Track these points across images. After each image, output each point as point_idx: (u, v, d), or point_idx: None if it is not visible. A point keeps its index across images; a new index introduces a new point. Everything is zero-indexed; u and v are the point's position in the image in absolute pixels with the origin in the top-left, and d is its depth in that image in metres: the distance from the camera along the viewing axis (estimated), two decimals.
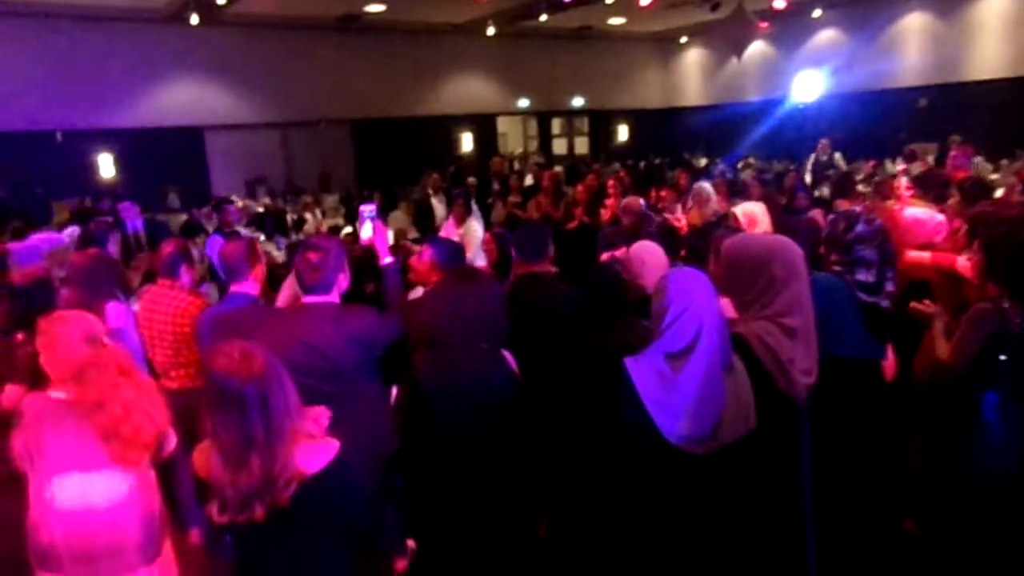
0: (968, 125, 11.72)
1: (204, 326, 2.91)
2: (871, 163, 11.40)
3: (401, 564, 3.05)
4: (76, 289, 3.24)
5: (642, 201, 6.13)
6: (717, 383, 1.96)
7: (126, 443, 2.16)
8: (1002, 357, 2.46)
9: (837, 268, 2.97)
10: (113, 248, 4.51)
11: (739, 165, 12.93)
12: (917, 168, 9.47)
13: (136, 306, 3.47)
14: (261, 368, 1.77)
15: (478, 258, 5.46)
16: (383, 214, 10.57)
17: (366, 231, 2.88)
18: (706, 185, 5.82)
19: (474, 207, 6.15)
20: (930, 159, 12.33)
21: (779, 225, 3.64)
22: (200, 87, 12.65)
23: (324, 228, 10.00)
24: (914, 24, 13.87)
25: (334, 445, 1.90)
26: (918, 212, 3.97)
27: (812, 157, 10.94)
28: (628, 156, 15.92)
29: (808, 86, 14.58)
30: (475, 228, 6.07)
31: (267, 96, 13.18)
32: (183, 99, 12.44)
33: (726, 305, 2.21)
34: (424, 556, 2.77)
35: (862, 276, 2.96)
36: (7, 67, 10.62)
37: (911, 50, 13.89)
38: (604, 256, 3.75)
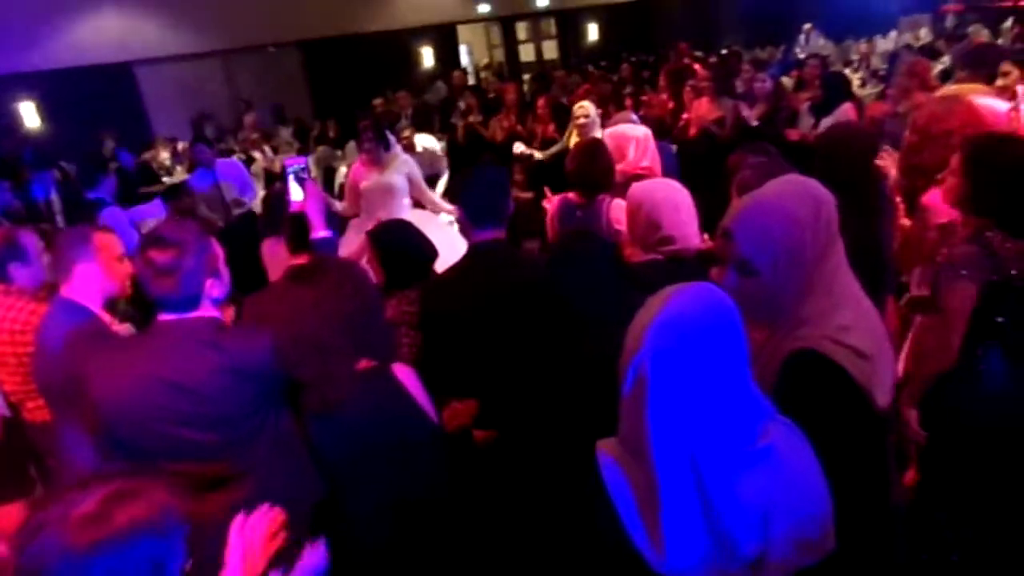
0: None
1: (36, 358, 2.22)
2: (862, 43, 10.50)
3: None
4: None
5: (633, 115, 5.31)
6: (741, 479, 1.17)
7: None
8: None
9: None
10: None
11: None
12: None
13: None
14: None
15: (430, 222, 4.19)
16: (341, 143, 9.62)
17: (295, 193, 2.16)
18: None
19: (392, 142, 4.56)
20: (923, 32, 11.42)
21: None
22: (125, 16, 11.35)
23: (277, 166, 9.12)
24: None
25: None
26: (990, 101, 3.01)
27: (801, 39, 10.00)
28: (601, 57, 14.74)
29: None
30: (412, 163, 4.52)
31: (204, 21, 11.84)
32: (107, 32, 11.19)
33: None
34: None
35: None
36: None
37: None
38: None
